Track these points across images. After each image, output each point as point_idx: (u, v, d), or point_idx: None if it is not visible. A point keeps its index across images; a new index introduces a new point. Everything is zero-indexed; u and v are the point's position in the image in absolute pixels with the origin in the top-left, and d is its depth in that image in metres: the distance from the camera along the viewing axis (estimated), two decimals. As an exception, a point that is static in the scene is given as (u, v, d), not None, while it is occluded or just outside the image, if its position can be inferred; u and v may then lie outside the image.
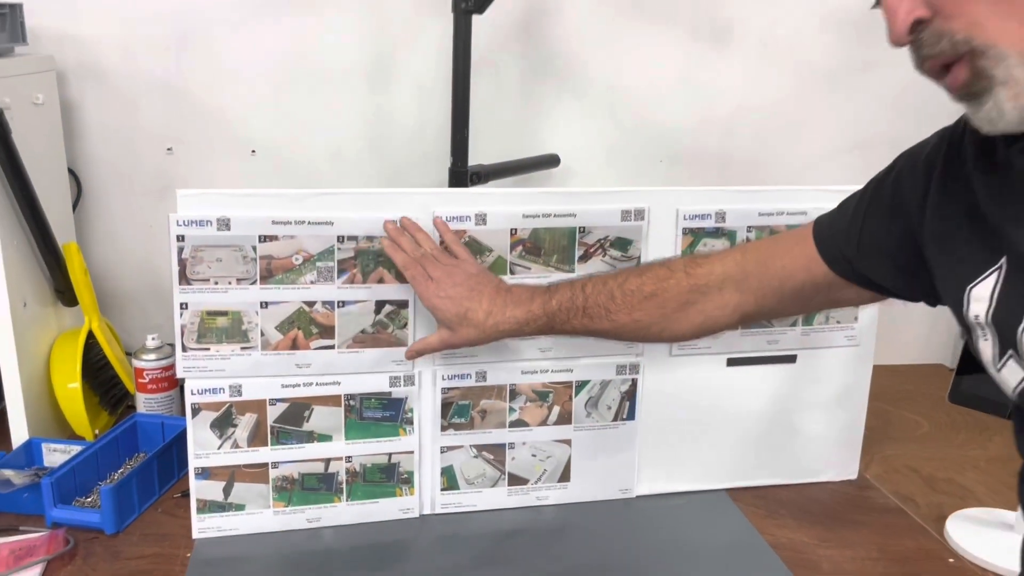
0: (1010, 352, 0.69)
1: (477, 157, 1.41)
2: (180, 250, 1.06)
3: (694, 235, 1.19)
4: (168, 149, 1.52)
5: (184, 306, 1.07)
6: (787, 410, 1.28)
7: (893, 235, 0.85)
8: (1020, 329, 0.67)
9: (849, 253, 0.89)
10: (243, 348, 1.10)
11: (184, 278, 1.07)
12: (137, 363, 1.34)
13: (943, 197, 0.78)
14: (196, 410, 1.10)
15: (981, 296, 0.71)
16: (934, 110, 0.82)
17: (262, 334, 1.10)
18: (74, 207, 1.48)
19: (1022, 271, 0.68)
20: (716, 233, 1.19)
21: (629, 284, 1.01)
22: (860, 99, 1.64)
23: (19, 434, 1.24)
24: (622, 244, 1.17)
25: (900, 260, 0.85)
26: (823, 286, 0.93)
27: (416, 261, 1.06)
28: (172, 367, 1.35)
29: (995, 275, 0.70)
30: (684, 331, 1.02)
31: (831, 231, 0.92)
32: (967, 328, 0.75)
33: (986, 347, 0.72)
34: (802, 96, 1.65)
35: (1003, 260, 0.70)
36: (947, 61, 0.65)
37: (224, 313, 1.08)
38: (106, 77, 1.48)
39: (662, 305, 1.00)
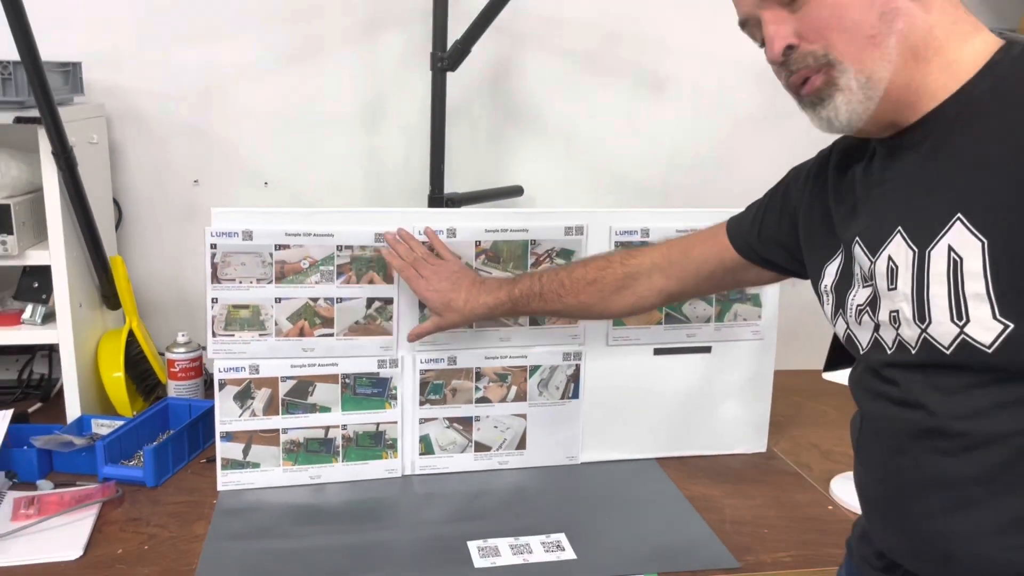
0: (840, 311, 0.95)
1: (452, 187, 1.70)
2: (213, 255, 1.34)
3: (624, 247, 1.47)
4: (195, 181, 1.81)
5: (215, 300, 1.35)
6: (705, 392, 1.54)
7: (783, 229, 1.10)
8: (847, 294, 0.94)
9: (753, 242, 1.15)
10: (260, 335, 1.37)
11: (215, 278, 1.34)
12: (170, 356, 1.61)
13: (812, 199, 1.03)
14: (222, 385, 1.37)
15: (831, 272, 0.97)
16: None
17: (276, 324, 1.37)
18: (115, 229, 1.76)
19: (849, 256, 0.94)
20: (642, 246, 1.47)
21: (575, 273, 1.29)
22: (780, 139, 1.92)
23: (73, 411, 1.51)
24: (566, 254, 1.45)
25: (790, 247, 1.10)
26: (731, 269, 1.18)
27: (409, 264, 1.35)
28: (198, 359, 1.62)
29: (840, 257, 0.96)
30: (619, 310, 1.29)
31: (739, 227, 1.18)
32: (818, 295, 1.01)
33: (827, 308, 0.97)
34: (730, 137, 1.95)
35: (842, 246, 0.97)
36: (808, 74, 0.84)
37: (246, 306, 1.36)
38: (144, 121, 1.77)
39: (601, 289, 1.27)
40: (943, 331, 0.78)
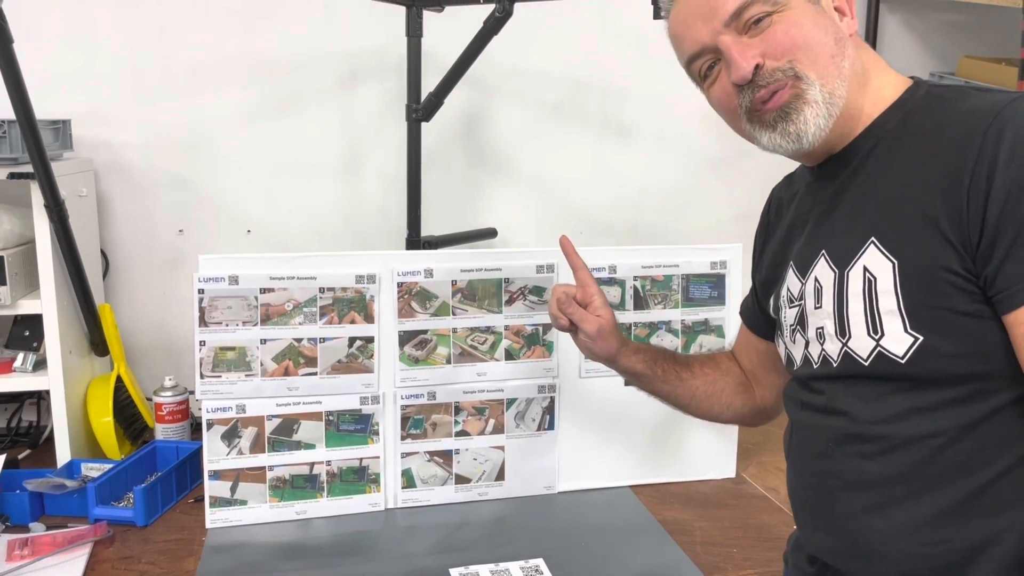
0: (779, 333, 1.02)
1: (429, 230, 1.78)
2: (200, 300, 1.40)
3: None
4: (179, 231, 1.87)
5: (203, 343, 1.41)
6: (675, 421, 1.60)
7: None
8: (780, 316, 1.00)
9: (764, 320, 1.09)
10: (247, 375, 1.42)
11: (203, 321, 1.40)
12: (157, 399, 1.66)
13: (763, 247, 1.09)
14: (210, 424, 1.42)
15: (772, 300, 1.04)
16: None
17: (261, 364, 1.43)
18: (103, 278, 1.82)
19: (783, 280, 1.00)
20: (610, 282, 1.55)
21: (714, 354, 1.25)
22: (738, 179, 2.03)
23: (63, 455, 1.55)
24: (538, 291, 1.53)
25: None
26: (773, 354, 1.09)
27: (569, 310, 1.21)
28: (184, 403, 1.67)
29: (777, 284, 1.02)
30: (740, 409, 1.19)
31: (748, 313, 1.17)
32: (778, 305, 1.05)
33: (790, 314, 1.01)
34: (692, 178, 2.05)
35: (780, 273, 1.03)
36: (776, 88, 0.86)
37: (233, 348, 1.42)
38: (130, 174, 1.84)
39: (726, 373, 1.19)
40: (862, 344, 0.86)
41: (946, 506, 0.83)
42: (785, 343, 1.01)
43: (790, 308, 0.98)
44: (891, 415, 0.85)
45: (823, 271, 0.91)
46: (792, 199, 1.03)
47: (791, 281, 0.97)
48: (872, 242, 0.85)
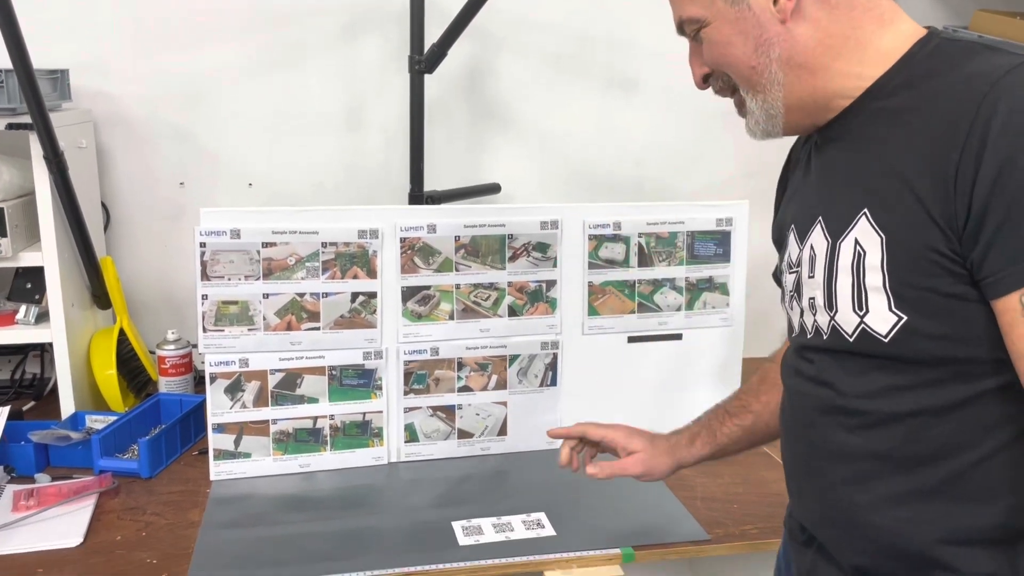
0: (782, 297, 1.01)
1: (432, 185, 1.76)
2: (202, 254, 1.39)
3: (597, 240, 1.54)
4: (180, 183, 1.86)
5: (205, 297, 1.40)
6: (677, 378, 1.61)
7: None
8: (783, 280, 0.99)
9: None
10: (249, 330, 1.42)
11: (205, 275, 1.40)
12: (160, 352, 1.66)
13: (778, 203, 1.08)
14: (213, 378, 1.42)
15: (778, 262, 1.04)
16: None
17: (264, 319, 1.43)
18: (104, 231, 1.81)
19: (785, 243, 0.98)
20: (614, 239, 1.54)
21: (748, 383, 1.20)
22: (745, 136, 2.00)
23: (67, 408, 1.56)
24: (542, 247, 1.52)
25: None
26: None
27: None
28: (187, 356, 1.67)
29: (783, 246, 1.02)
30: None
31: (778, 269, 1.12)
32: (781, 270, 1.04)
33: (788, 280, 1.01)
34: (698, 134, 2.02)
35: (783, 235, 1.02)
36: (727, 94, 0.92)
37: (235, 302, 1.41)
38: (130, 125, 1.81)
39: (775, 383, 1.10)
40: (847, 319, 0.84)
41: (925, 485, 0.82)
42: (786, 308, 1.00)
43: (789, 273, 0.96)
44: (873, 391, 0.84)
45: (818, 239, 0.89)
46: (799, 161, 1.01)
47: (792, 246, 0.96)
48: (864, 213, 0.82)
